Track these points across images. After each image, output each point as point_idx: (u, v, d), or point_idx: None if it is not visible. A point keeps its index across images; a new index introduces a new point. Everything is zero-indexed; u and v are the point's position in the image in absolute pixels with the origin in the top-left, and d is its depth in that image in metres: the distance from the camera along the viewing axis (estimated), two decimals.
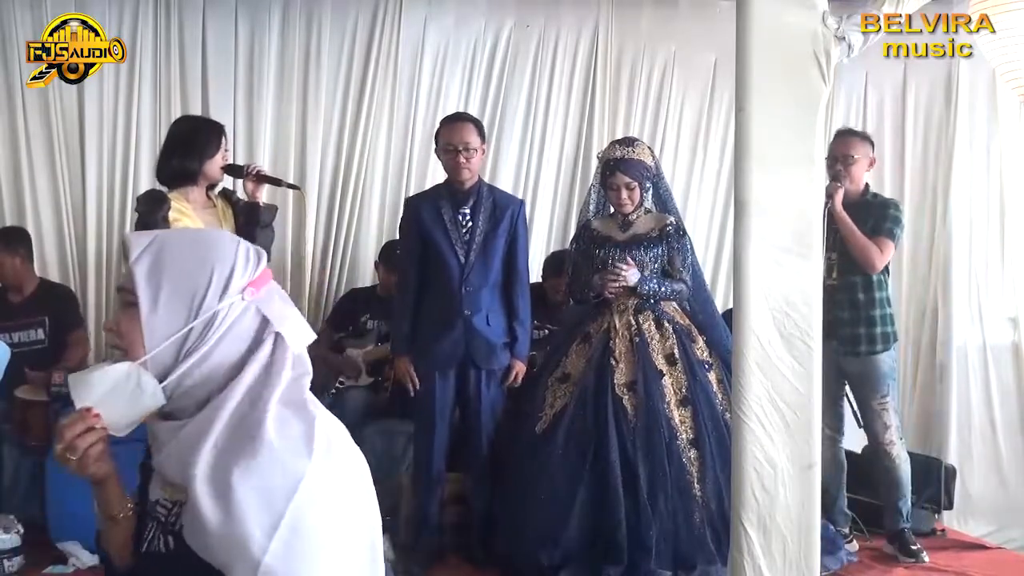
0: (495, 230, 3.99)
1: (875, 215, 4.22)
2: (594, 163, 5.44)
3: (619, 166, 3.97)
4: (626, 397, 3.84)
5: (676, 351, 3.92)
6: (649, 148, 4.16)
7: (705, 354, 3.98)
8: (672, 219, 4.10)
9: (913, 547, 4.20)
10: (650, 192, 4.08)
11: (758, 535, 2.83)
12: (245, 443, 1.35)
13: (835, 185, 4.14)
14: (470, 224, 3.97)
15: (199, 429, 1.39)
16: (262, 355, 1.44)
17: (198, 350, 1.40)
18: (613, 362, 3.90)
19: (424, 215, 3.97)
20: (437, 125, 4.19)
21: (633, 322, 3.96)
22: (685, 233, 4.11)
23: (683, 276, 4.03)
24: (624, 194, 3.97)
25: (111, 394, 1.41)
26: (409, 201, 4.19)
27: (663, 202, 4.13)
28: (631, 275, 3.92)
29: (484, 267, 3.97)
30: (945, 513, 4.71)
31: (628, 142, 4.12)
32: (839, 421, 4.31)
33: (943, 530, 4.65)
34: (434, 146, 4.10)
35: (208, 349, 1.41)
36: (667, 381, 3.87)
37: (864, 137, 4.41)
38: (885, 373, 4.23)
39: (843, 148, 4.26)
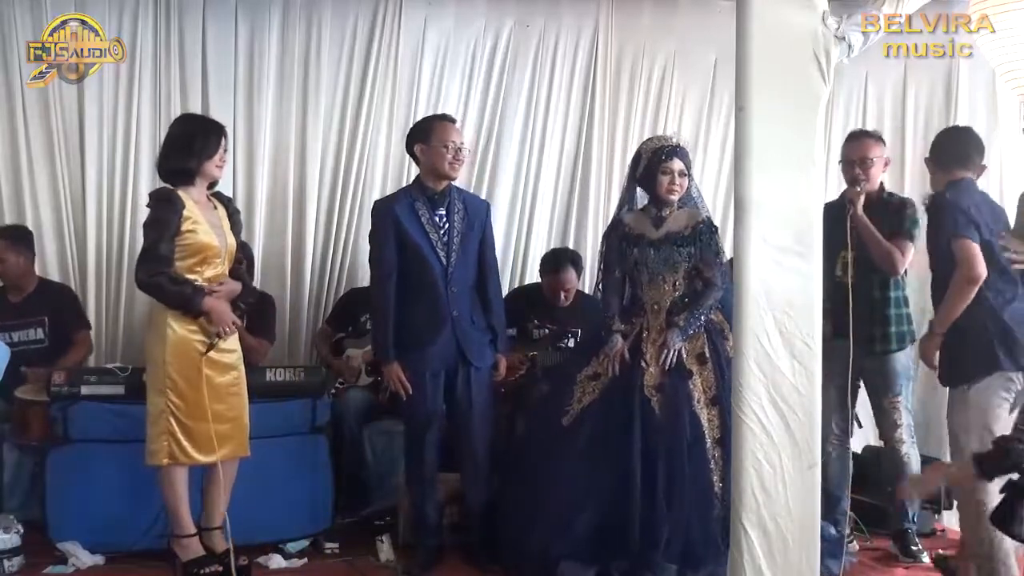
0: (470, 232, 4.01)
1: (893, 216, 4.19)
2: (595, 163, 5.48)
3: (676, 152, 3.99)
4: (655, 398, 3.83)
5: (707, 350, 3.92)
6: None
7: None
8: (705, 216, 4.09)
9: (913, 547, 4.21)
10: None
11: (758, 535, 2.84)
12: None
13: (855, 191, 4.11)
14: (447, 225, 3.97)
15: None
16: None
17: None
18: (644, 364, 3.89)
19: (401, 218, 3.94)
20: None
21: (665, 322, 3.95)
22: (717, 230, 4.09)
23: (714, 275, 3.98)
24: (678, 180, 3.97)
25: None
26: (380, 205, 4.10)
27: (693, 199, 4.12)
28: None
29: (465, 268, 3.99)
30: (945, 513, 4.69)
31: (668, 137, 4.18)
32: (848, 422, 4.29)
33: (943, 530, 4.65)
34: (417, 144, 3.99)
35: None
36: (696, 381, 3.86)
37: (878, 138, 4.37)
38: (899, 372, 4.21)
39: (861, 151, 4.21)
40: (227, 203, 3.80)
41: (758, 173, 2.85)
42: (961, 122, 5.55)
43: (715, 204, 5.64)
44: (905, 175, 5.65)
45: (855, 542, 4.31)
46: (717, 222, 5.57)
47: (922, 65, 5.56)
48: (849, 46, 2.93)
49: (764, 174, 2.84)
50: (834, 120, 5.47)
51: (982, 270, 3.55)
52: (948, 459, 5.02)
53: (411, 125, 5.14)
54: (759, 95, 2.85)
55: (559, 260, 4.92)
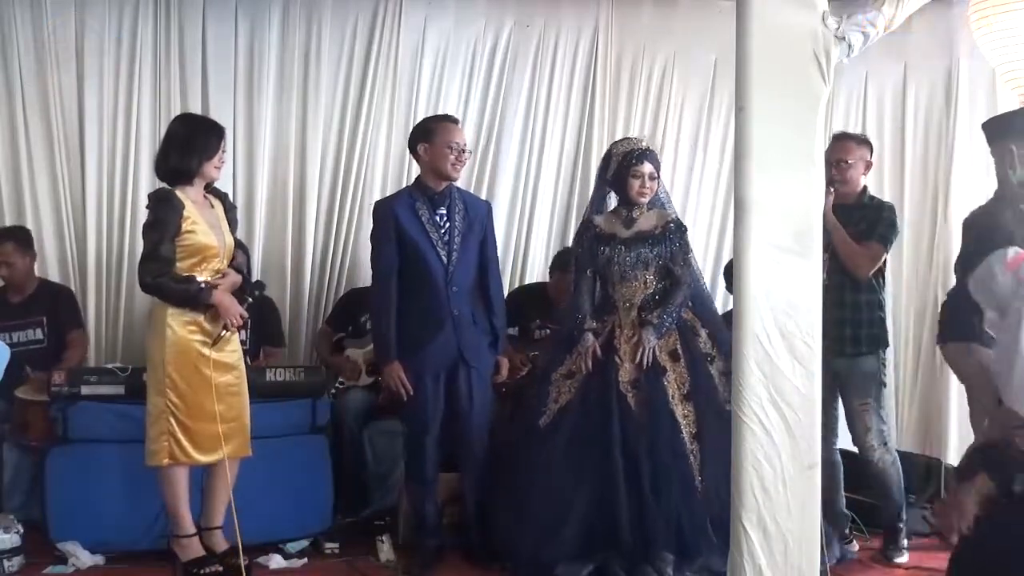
0: (471, 231, 4.02)
1: (869, 219, 4.19)
2: (595, 163, 5.45)
3: (646, 155, 4.06)
4: (630, 394, 3.87)
5: (679, 346, 3.97)
6: None
7: (708, 347, 4.02)
8: (674, 215, 4.17)
9: (889, 549, 4.19)
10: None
11: (758, 535, 2.83)
12: None
13: (827, 191, 4.11)
14: (447, 225, 3.98)
15: None
16: None
17: None
18: (618, 360, 3.93)
19: (401, 217, 3.95)
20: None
21: (637, 320, 3.99)
22: (685, 229, 4.16)
23: (683, 272, 4.05)
24: (648, 183, 4.03)
25: None
26: (381, 205, 4.11)
27: (661, 201, 4.19)
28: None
29: (466, 267, 4.00)
30: None
31: (638, 139, 4.27)
32: (833, 422, 4.28)
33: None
34: (420, 143, 4.00)
35: None
36: (671, 377, 3.91)
37: (861, 140, 4.37)
38: (868, 376, 4.17)
39: (838, 152, 4.21)
40: (223, 199, 3.79)
41: (758, 173, 2.84)
42: (961, 122, 5.55)
43: (715, 204, 5.66)
44: (905, 175, 5.64)
45: (855, 542, 4.31)
46: (717, 222, 5.64)
47: (922, 65, 5.56)
48: (849, 46, 2.93)
49: (764, 174, 2.84)
50: (834, 120, 5.47)
51: None
52: (949, 459, 5.05)
53: (411, 125, 5.16)
54: (759, 95, 2.85)
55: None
